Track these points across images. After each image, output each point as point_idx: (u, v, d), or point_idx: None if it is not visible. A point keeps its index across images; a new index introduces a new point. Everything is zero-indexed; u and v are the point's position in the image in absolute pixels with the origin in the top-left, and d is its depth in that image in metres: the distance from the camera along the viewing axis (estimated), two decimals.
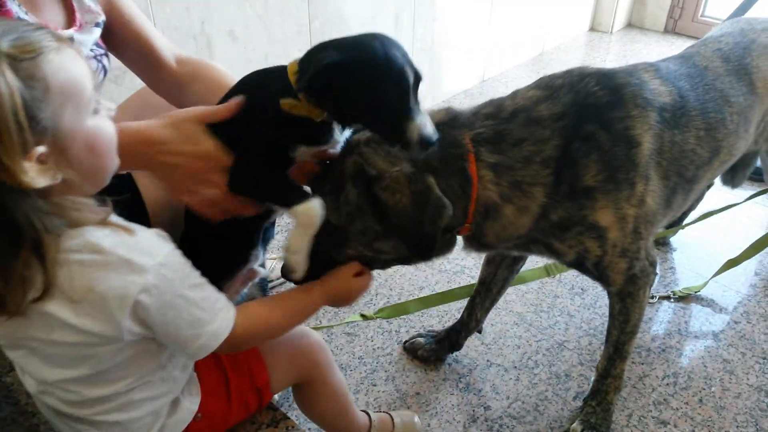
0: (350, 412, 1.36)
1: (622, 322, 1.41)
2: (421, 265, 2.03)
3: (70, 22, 1.16)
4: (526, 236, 1.24)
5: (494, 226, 1.19)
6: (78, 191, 0.81)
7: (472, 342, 1.76)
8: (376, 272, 1.19)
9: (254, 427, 1.20)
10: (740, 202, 2.05)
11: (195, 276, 0.90)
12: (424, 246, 1.10)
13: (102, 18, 1.23)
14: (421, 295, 1.90)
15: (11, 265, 0.76)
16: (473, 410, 1.60)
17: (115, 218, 0.85)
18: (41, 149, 0.73)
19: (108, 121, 0.85)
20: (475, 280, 1.70)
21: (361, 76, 0.93)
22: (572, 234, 1.23)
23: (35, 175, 0.73)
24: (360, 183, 1.07)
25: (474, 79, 3.57)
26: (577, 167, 1.19)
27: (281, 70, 1.00)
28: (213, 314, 0.91)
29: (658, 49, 3.87)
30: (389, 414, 1.51)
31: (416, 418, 1.53)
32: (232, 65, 2.16)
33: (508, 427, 1.56)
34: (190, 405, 1.03)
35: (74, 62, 0.79)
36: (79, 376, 0.87)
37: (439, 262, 2.11)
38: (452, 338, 1.71)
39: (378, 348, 1.77)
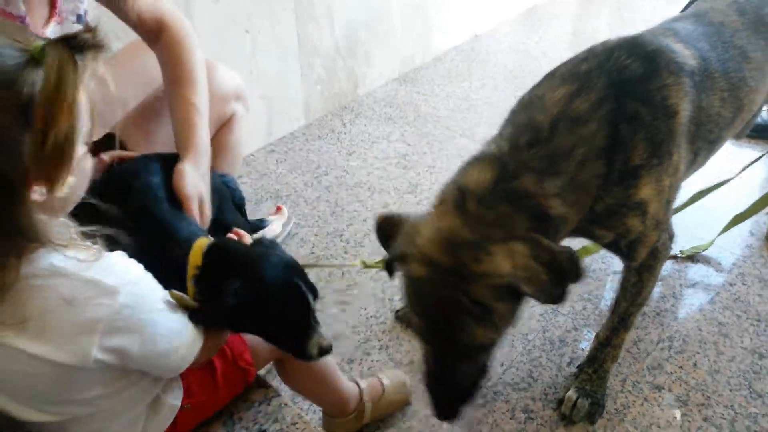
0: (336, 384, 1.36)
1: (634, 295, 1.38)
2: None
3: (51, 13, 1.16)
4: (573, 229, 1.20)
5: (559, 230, 1.14)
6: (54, 212, 0.78)
7: None
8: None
9: (246, 406, 1.18)
10: (732, 178, 1.95)
11: (163, 292, 0.89)
12: (565, 294, 1.04)
13: (84, 8, 1.22)
14: None
15: None
16: None
17: (76, 240, 0.79)
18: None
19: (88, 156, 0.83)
20: None
21: (268, 312, 0.97)
22: (617, 217, 1.19)
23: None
24: (503, 294, 1.02)
25: (465, 35, 3.47)
26: (627, 150, 1.13)
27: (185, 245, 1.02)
28: (181, 332, 0.90)
29: (653, 1, 3.77)
30: (377, 378, 1.50)
31: (406, 379, 1.53)
32: (216, 29, 2.08)
33: (502, 394, 1.55)
34: (173, 401, 1.01)
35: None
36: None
37: None
38: None
39: (371, 317, 1.75)
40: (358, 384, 1.44)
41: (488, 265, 1.00)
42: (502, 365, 1.62)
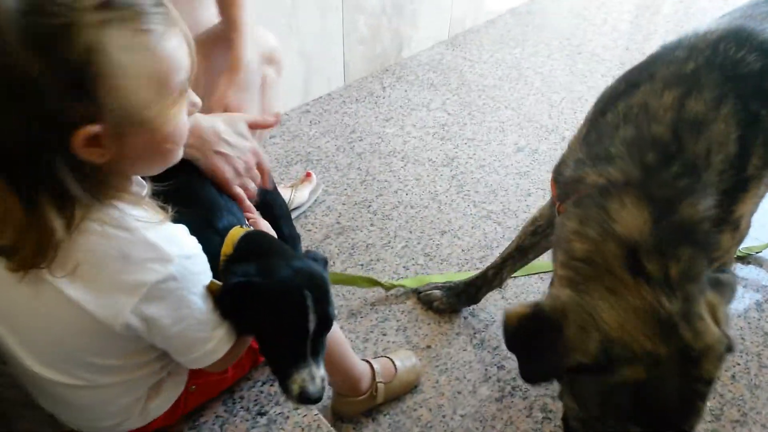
0: (348, 362, 1.32)
1: None
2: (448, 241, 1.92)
3: None
4: None
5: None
6: (124, 175, 0.77)
7: (491, 295, 1.65)
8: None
9: (248, 385, 1.14)
10: None
11: (209, 279, 0.85)
12: None
13: None
14: (448, 272, 1.77)
15: (34, 220, 0.69)
16: (486, 369, 1.52)
17: (150, 201, 0.80)
18: (96, 128, 0.67)
19: (184, 117, 0.77)
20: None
21: (263, 309, 0.87)
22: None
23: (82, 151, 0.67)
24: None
25: None
26: (745, 157, 0.97)
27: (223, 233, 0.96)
28: (222, 320, 0.86)
29: None
30: (389, 358, 1.46)
31: (414, 357, 1.49)
32: None
33: (521, 389, 1.48)
34: (177, 385, 0.97)
35: (174, 51, 0.71)
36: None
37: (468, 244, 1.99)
38: (470, 292, 1.61)
39: (391, 296, 1.69)
40: (371, 364, 1.40)
41: (708, 336, 0.84)
42: None
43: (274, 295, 0.87)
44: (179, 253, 0.77)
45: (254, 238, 0.99)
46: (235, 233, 0.96)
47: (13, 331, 0.82)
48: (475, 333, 1.60)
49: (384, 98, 2.51)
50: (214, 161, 1.06)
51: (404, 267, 1.77)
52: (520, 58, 2.81)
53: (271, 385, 1.15)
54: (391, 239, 1.85)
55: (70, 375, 0.83)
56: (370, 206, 1.97)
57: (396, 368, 1.44)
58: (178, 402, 0.99)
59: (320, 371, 0.88)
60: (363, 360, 1.39)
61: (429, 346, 1.57)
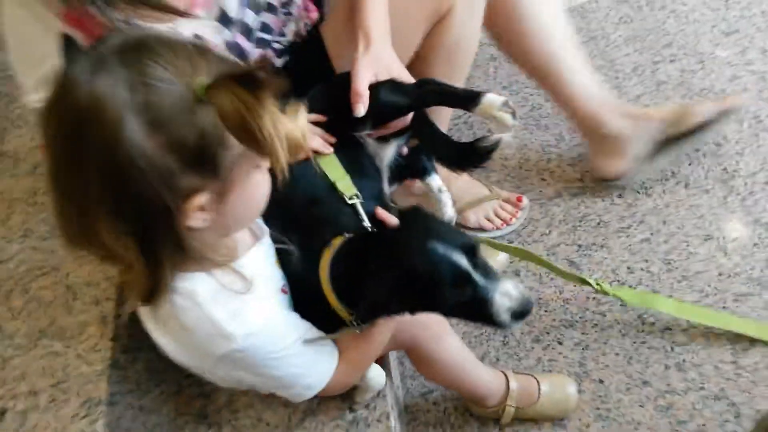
0: (471, 377, 1.24)
1: None
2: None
3: None
4: None
5: None
6: (214, 236, 0.77)
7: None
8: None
9: None
10: None
11: (292, 338, 0.88)
12: None
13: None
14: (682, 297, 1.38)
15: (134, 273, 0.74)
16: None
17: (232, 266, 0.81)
18: (205, 196, 0.68)
19: (266, 176, 0.76)
20: None
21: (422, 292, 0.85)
22: None
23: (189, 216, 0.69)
24: None
25: None
26: None
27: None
28: (308, 369, 0.92)
29: None
30: (536, 379, 1.30)
31: (573, 388, 1.30)
32: None
33: None
34: None
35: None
36: None
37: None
38: None
39: (595, 299, 1.41)
40: (507, 380, 1.28)
41: None
42: None
43: (420, 280, 0.84)
44: (242, 332, 0.80)
45: (350, 249, 0.94)
46: (328, 252, 0.93)
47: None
48: (666, 393, 1.28)
49: None
50: None
51: (629, 268, 1.44)
52: None
53: None
54: (634, 223, 1.49)
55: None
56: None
57: (540, 395, 1.28)
58: None
59: (509, 283, 0.86)
60: (501, 372, 1.28)
61: (602, 381, 1.33)
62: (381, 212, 1.02)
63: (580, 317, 1.41)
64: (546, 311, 1.43)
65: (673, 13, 1.80)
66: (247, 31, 1.12)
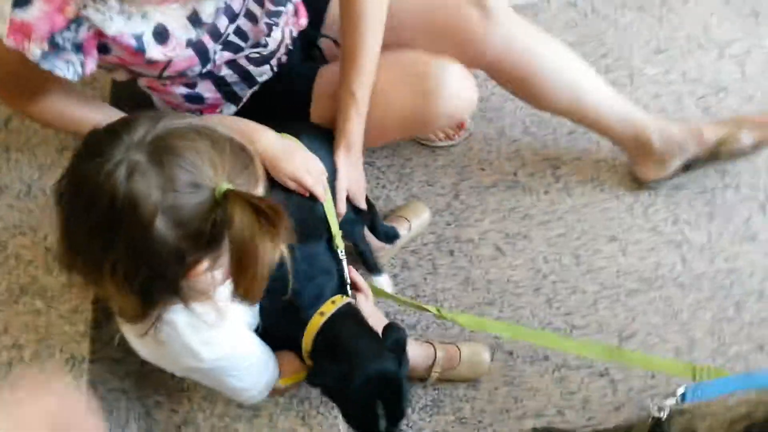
0: None
1: None
2: None
3: None
4: None
5: None
6: (205, 285, 0.89)
7: None
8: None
9: None
10: None
11: (251, 358, 1.10)
12: None
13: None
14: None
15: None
16: (547, 403, 1.52)
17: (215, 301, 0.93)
18: (206, 263, 0.83)
19: None
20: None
21: (341, 407, 1.12)
22: None
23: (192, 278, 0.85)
24: None
25: None
26: None
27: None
28: (257, 383, 1.15)
29: None
30: (457, 347, 1.52)
31: (487, 355, 1.53)
32: None
33: None
34: None
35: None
36: None
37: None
38: None
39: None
40: (435, 350, 1.49)
41: None
42: None
43: (349, 404, 1.08)
44: (212, 357, 0.99)
45: (332, 335, 1.11)
46: (313, 325, 1.09)
47: None
48: (562, 367, 1.55)
49: None
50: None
51: (545, 258, 1.67)
52: None
53: None
54: (554, 219, 1.72)
55: None
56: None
57: (460, 361, 1.51)
58: None
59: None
60: (427, 342, 1.49)
61: (511, 353, 1.57)
62: (354, 275, 1.26)
63: (499, 297, 1.64)
64: (473, 289, 1.65)
65: (614, 24, 1.96)
66: (216, 36, 1.11)
